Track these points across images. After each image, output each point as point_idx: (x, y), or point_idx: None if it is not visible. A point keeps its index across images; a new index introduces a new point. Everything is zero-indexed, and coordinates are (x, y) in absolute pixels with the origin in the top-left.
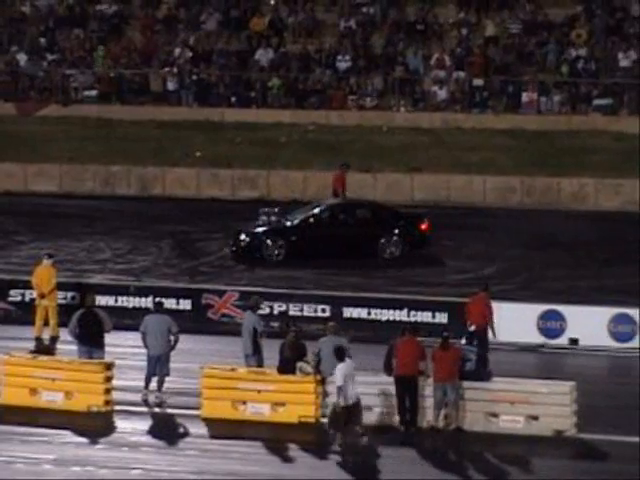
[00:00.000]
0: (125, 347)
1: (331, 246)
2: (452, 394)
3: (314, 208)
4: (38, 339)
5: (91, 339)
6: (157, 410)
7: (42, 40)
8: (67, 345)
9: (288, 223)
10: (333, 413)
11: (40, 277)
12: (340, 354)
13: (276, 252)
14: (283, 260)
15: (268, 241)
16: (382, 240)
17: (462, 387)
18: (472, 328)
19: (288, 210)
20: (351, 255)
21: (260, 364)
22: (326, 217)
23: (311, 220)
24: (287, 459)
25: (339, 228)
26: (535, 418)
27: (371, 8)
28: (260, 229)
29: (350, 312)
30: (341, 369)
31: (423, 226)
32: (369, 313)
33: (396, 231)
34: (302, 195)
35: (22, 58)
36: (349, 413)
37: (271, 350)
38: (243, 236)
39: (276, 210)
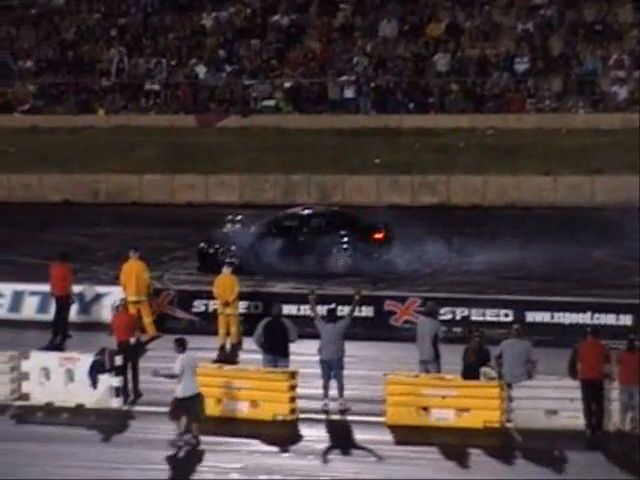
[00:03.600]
0: (308, 355)
1: (283, 255)
2: (638, 397)
3: (276, 217)
4: (221, 348)
5: (276, 348)
6: (342, 417)
7: (221, 52)
8: (250, 354)
9: (244, 231)
10: (172, 404)
11: (222, 286)
12: (180, 345)
13: (228, 260)
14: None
15: (220, 249)
16: (333, 250)
17: None
18: None
19: (257, 217)
20: (304, 264)
21: (438, 370)
22: (282, 226)
23: (266, 229)
24: (473, 465)
25: (293, 237)
26: None
27: (548, 10)
28: (215, 237)
29: (533, 316)
30: (181, 360)
31: (377, 236)
32: (552, 317)
33: (345, 240)
34: (482, 200)
35: (201, 70)
36: (188, 406)
37: (453, 355)
38: (202, 244)
39: (239, 217)
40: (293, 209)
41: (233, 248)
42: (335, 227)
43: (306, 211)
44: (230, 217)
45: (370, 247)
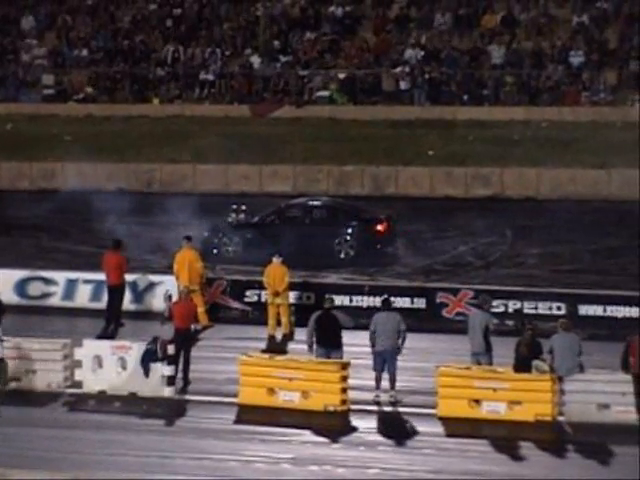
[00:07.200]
0: (360, 346)
1: (286, 245)
2: None
3: (280, 207)
4: (271, 337)
5: (329, 340)
6: (393, 409)
7: (275, 42)
8: (300, 344)
9: (247, 221)
10: None
11: (272, 276)
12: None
13: (231, 249)
14: (240, 256)
15: (224, 238)
16: (336, 240)
17: None
18: None
19: (260, 207)
20: (307, 254)
21: (490, 362)
22: (284, 216)
23: (270, 218)
24: (524, 458)
25: (295, 228)
26: None
27: (604, 3)
28: (218, 226)
29: (586, 309)
30: None
31: (379, 227)
32: (605, 310)
33: (349, 231)
34: (536, 192)
35: (256, 60)
36: None
37: (505, 348)
38: (205, 234)
39: (244, 207)
40: (297, 200)
41: (236, 238)
42: (338, 218)
43: (309, 202)
44: (234, 207)
45: (372, 239)
